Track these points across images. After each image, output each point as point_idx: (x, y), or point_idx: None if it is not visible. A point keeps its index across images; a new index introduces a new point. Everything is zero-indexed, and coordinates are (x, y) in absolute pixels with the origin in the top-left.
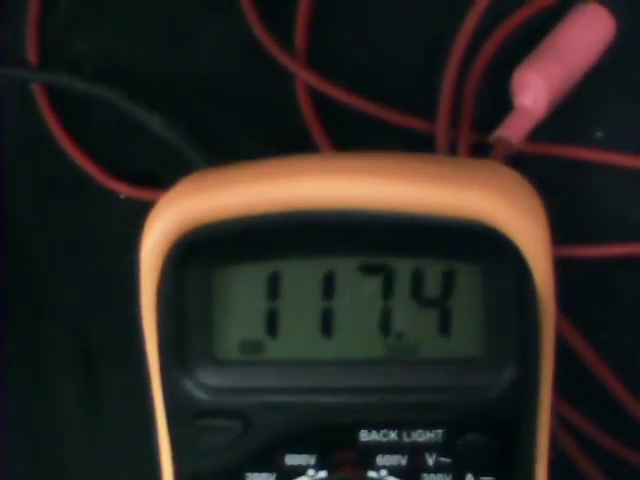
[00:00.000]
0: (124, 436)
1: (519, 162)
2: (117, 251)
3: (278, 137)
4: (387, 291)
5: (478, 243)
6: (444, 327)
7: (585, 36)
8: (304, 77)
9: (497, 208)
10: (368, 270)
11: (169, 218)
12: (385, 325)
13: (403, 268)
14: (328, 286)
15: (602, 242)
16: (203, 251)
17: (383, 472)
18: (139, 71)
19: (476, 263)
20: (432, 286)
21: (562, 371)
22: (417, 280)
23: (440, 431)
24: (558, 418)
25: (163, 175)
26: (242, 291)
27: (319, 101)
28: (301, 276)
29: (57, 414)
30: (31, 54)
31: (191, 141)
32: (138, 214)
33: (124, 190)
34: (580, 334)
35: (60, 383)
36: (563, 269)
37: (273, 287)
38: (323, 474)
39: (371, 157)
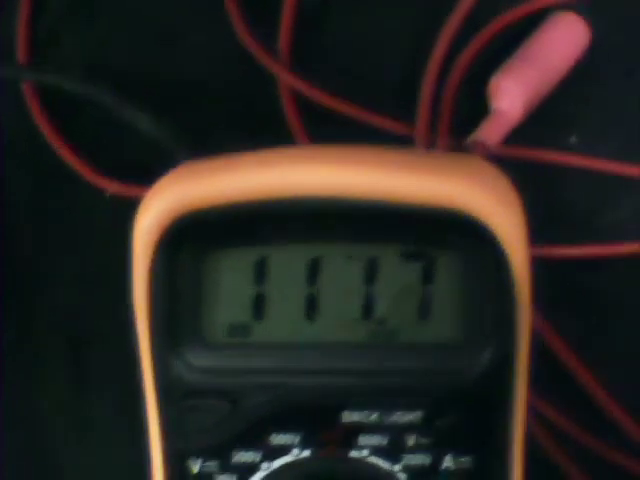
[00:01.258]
0: (112, 419)
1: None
2: (104, 245)
3: (261, 138)
4: (370, 277)
5: (457, 231)
6: (424, 312)
7: (560, 43)
8: (287, 79)
9: (475, 197)
10: (352, 256)
11: (161, 204)
12: (367, 310)
13: (385, 254)
14: (313, 272)
15: (576, 243)
16: (194, 236)
17: (365, 452)
18: (127, 71)
19: (455, 250)
20: (413, 272)
21: (538, 368)
22: (399, 266)
23: (420, 412)
24: (533, 413)
25: (150, 173)
26: (230, 275)
27: (302, 103)
28: (287, 261)
29: (45, 398)
30: (21, 53)
31: (177, 140)
32: (125, 210)
33: (112, 187)
34: (556, 332)
35: (48, 369)
36: (539, 268)
37: (260, 272)
38: (307, 453)
39: (355, 148)
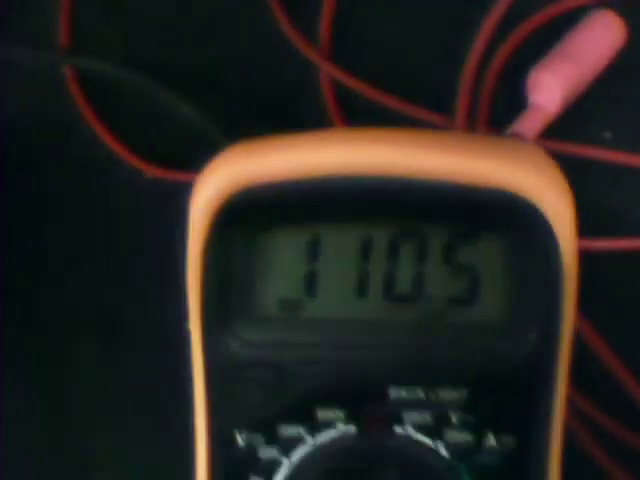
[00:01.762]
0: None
1: None
2: (142, 227)
3: (301, 127)
4: (420, 257)
5: (509, 213)
6: (473, 292)
7: (597, 41)
8: (327, 70)
9: (527, 180)
10: (403, 235)
11: (217, 182)
12: (417, 289)
13: (436, 235)
14: (364, 251)
15: (608, 236)
16: (248, 213)
17: (409, 428)
18: (168, 59)
19: (505, 232)
20: (463, 253)
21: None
22: (449, 247)
23: (464, 391)
24: (572, 408)
25: (188, 157)
26: (283, 252)
27: (341, 94)
28: (339, 240)
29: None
30: (63, 39)
31: (216, 127)
32: (165, 194)
33: (150, 171)
34: (586, 321)
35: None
36: None
37: (313, 250)
38: (352, 428)
39: (408, 130)
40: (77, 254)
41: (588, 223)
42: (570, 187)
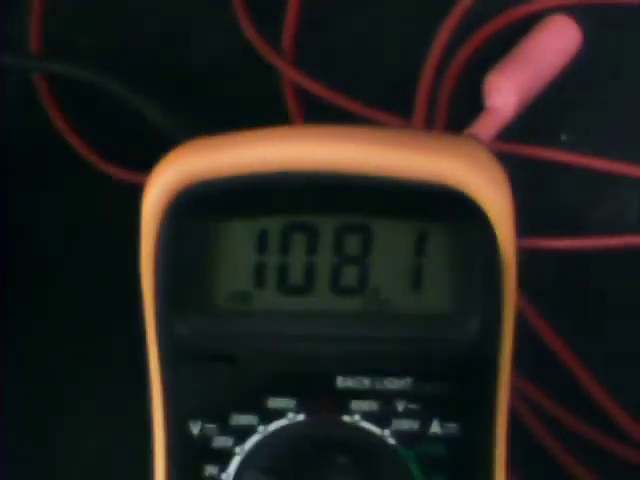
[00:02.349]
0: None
1: None
2: (112, 229)
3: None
4: (365, 249)
5: (449, 206)
6: (416, 283)
7: (553, 45)
8: (290, 74)
9: (466, 174)
10: (348, 229)
11: (168, 176)
12: (362, 280)
13: (380, 228)
14: (311, 243)
15: (564, 235)
16: (198, 206)
17: (357, 417)
18: (134, 64)
19: (447, 224)
20: (406, 245)
21: (527, 353)
22: (393, 239)
23: (409, 379)
24: (521, 396)
25: (156, 160)
26: (232, 245)
27: (303, 98)
28: (286, 233)
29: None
30: (34, 45)
31: (181, 129)
32: (130, 196)
33: (122, 175)
34: (543, 319)
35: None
36: (529, 260)
37: (261, 242)
38: (302, 417)
39: (351, 126)
40: (49, 255)
41: (546, 223)
42: (509, 182)
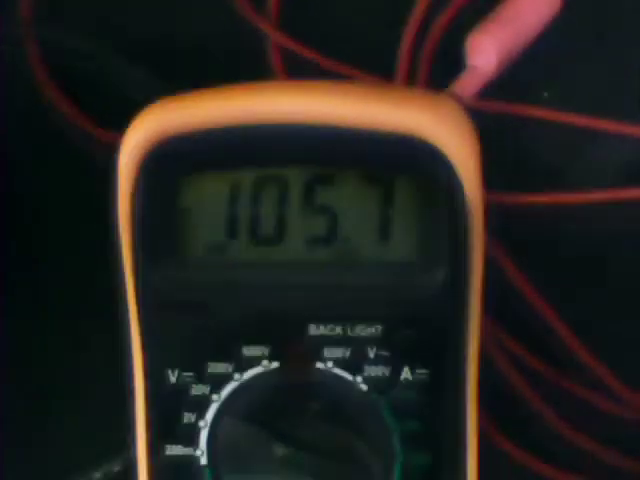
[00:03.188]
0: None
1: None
2: (101, 193)
3: None
4: (335, 199)
5: (415, 157)
6: (383, 233)
7: (534, 4)
8: (275, 37)
9: (432, 125)
10: (318, 180)
11: (142, 131)
12: (332, 231)
13: (349, 179)
14: (281, 195)
15: (546, 192)
16: (172, 160)
17: (329, 364)
18: (120, 27)
19: (413, 174)
20: (373, 195)
21: (505, 305)
22: (361, 189)
23: (379, 326)
24: (496, 343)
25: None
26: (206, 197)
27: (288, 60)
28: (258, 185)
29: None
30: (24, 10)
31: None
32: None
33: (107, 137)
34: (521, 272)
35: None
36: (507, 215)
37: (233, 195)
38: (276, 365)
39: (321, 81)
40: (37, 229)
41: (527, 179)
42: (478, 135)
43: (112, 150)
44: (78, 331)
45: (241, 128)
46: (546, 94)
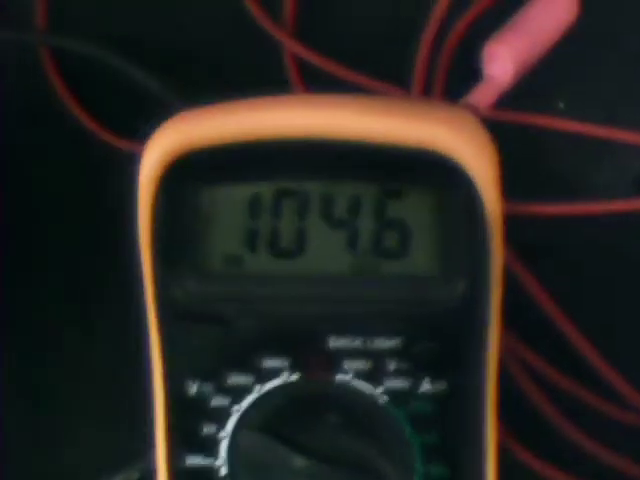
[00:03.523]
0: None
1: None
2: (115, 200)
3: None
4: (354, 212)
5: (434, 171)
6: (404, 246)
7: (550, 14)
8: (291, 46)
9: (451, 139)
10: (337, 193)
11: (164, 143)
12: (352, 243)
13: (368, 192)
14: (302, 208)
15: (562, 201)
16: (193, 173)
17: (349, 376)
18: (137, 36)
19: (433, 189)
20: (394, 209)
21: (520, 314)
22: (381, 203)
23: (399, 339)
24: (514, 355)
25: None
26: (226, 210)
27: (304, 70)
28: (278, 197)
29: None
30: (39, 20)
31: (186, 102)
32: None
33: (123, 145)
34: (537, 280)
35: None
36: (524, 225)
37: (253, 207)
38: (296, 377)
39: (340, 95)
40: (52, 225)
41: (544, 190)
42: (496, 149)
43: (125, 157)
44: (94, 331)
45: (260, 142)
46: (562, 104)
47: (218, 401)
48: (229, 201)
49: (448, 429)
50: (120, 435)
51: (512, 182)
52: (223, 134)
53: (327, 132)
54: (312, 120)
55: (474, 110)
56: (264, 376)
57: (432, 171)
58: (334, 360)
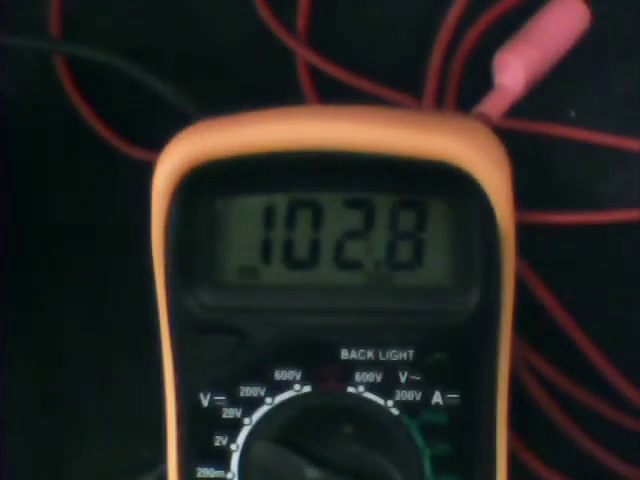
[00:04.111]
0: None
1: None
2: (130, 209)
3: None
4: (368, 223)
5: (448, 182)
6: (417, 257)
7: (562, 23)
8: (304, 55)
9: (465, 151)
10: (351, 204)
11: (178, 154)
12: (365, 254)
13: (382, 203)
14: (316, 219)
15: (572, 210)
16: (207, 184)
17: (361, 388)
18: (152, 45)
19: (446, 200)
20: (408, 220)
21: (532, 322)
22: (394, 214)
23: (411, 351)
24: (525, 363)
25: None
26: (240, 221)
27: (317, 78)
28: (292, 209)
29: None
30: (53, 28)
31: (197, 109)
32: (150, 176)
33: (138, 154)
34: (549, 291)
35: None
36: (536, 233)
37: (268, 219)
38: (308, 388)
39: (355, 107)
40: (64, 234)
41: (554, 198)
42: (509, 160)
43: (139, 164)
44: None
45: (275, 153)
46: (573, 113)
47: (230, 413)
48: (243, 212)
49: (460, 440)
50: (130, 444)
51: (521, 191)
52: (238, 145)
53: (341, 144)
54: (327, 132)
55: (486, 120)
56: (276, 388)
57: (446, 182)
58: (346, 372)
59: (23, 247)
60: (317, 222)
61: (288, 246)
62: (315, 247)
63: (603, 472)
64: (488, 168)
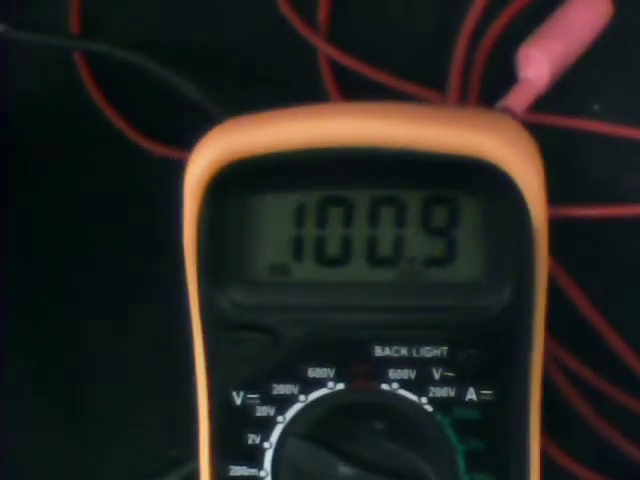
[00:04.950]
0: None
1: None
2: (151, 204)
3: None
4: (400, 220)
5: (481, 179)
6: (450, 253)
7: (585, 16)
8: (326, 50)
9: (498, 147)
10: (383, 202)
11: (210, 153)
12: (397, 251)
13: (414, 200)
14: (347, 216)
15: (597, 204)
16: (239, 182)
17: (395, 385)
18: (173, 42)
19: (479, 196)
20: (440, 216)
21: (561, 318)
22: (426, 211)
23: (445, 347)
24: (554, 360)
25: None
26: (272, 219)
27: (339, 74)
28: (324, 206)
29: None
30: (73, 25)
31: (219, 105)
32: (170, 171)
33: (158, 150)
34: (577, 285)
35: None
36: (562, 228)
37: (299, 216)
38: (341, 386)
39: (388, 103)
40: (84, 231)
41: (578, 192)
42: (541, 155)
43: (160, 161)
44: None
45: (306, 150)
46: (597, 107)
47: (263, 411)
48: (275, 210)
49: (493, 436)
50: (158, 441)
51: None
52: (269, 143)
53: (373, 141)
54: (358, 129)
55: (511, 113)
56: (309, 385)
57: (478, 178)
58: (380, 369)
59: (39, 245)
60: (348, 219)
61: (319, 243)
62: (347, 244)
63: (636, 469)
64: (522, 165)
